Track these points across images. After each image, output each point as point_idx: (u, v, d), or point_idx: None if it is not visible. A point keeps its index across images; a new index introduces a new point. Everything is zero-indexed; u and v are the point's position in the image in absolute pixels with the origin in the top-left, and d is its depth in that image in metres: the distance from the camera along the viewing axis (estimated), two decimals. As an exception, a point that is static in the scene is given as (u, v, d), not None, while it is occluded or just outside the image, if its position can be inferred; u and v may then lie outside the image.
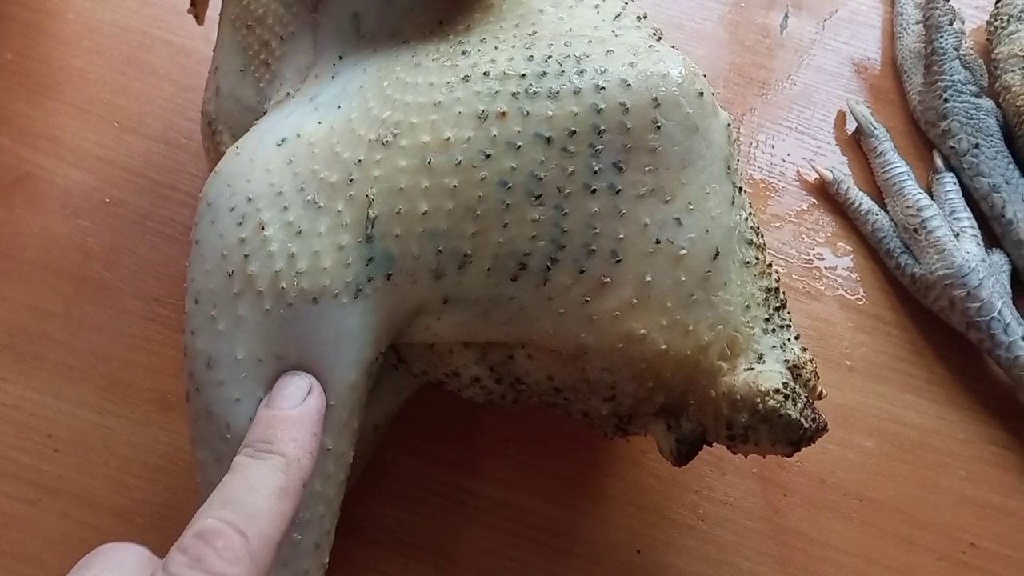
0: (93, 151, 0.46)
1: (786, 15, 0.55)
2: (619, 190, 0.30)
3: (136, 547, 0.25)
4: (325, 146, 0.31)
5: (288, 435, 0.28)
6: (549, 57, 0.31)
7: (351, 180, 0.31)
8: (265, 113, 0.36)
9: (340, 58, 0.35)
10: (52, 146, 0.46)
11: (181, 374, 0.40)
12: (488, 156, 0.30)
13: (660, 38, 0.34)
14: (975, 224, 0.46)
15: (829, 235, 0.48)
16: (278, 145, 0.32)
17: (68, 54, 0.49)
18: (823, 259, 0.47)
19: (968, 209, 0.47)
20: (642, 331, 0.31)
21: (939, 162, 0.49)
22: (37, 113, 0.47)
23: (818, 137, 0.51)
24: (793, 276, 0.46)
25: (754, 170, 0.50)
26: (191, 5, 0.42)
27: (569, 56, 0.31)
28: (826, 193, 0.49)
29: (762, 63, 0.53)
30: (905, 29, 0.54)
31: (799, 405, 0.32)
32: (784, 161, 0.50)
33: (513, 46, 0.32)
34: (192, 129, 0.47)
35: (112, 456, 0.39)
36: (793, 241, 0.47)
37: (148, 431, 0.40)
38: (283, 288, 0.29)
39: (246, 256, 0.30)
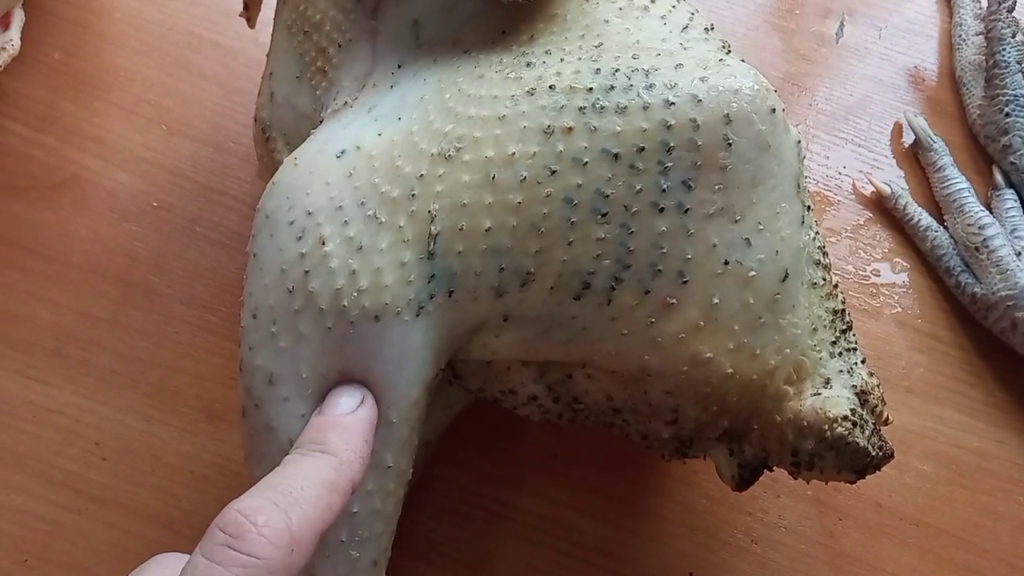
0: (140, 153, 0.46)
1: (842, 23, 0.54)
2: (687, 209, 0.30)
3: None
4: (386, 159, 0.31)
5: (340, 438, 0.28)
6: (617, 70, 0.30)
7: (413, 195, 0.30)
8: (322, 121, 0.36)
9: (399, 67, 0.35)
10: (99, 147, 0.46)
11: (229, 382, 0.40)
12: (553, 172, 0.29)
13: (729, 51, 0.33)
14: (1038, 243, 0.45)
15: (886, 251, 0.47)
16: (338, 157, 0.31)
17: (115, 54, 0.49)
18: (880, 275, 0.46)
19: (1030, 227, 0.45)
20: (708, 354, 0.30)
21: (999, 178, 0.48)
22: (84, 113, 0.47)
23: (874, 149, 0.50)
24: (850, 293, 0.45)
25: (809, 182, 0.48)
26: (244, 9, 0.42)
27: (637, 69, 0.30)
28: (883, 207, 0.48)
29: (817, 72, 0.52)
30: (964, 40, 0.52)
31: (866, 432, 0.31)
32: (840, 173, 0.49)
33: (579, 58, 0.31)
34: (241, 133, 0.46)
35: (159, 465, 0.39)
36: (849, 256, 0.46)
37: (196, 440, 0.39)
38: (345, 306, 0.29)
39: (307, 272, 0.29)
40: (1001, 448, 0.42)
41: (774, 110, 0.31)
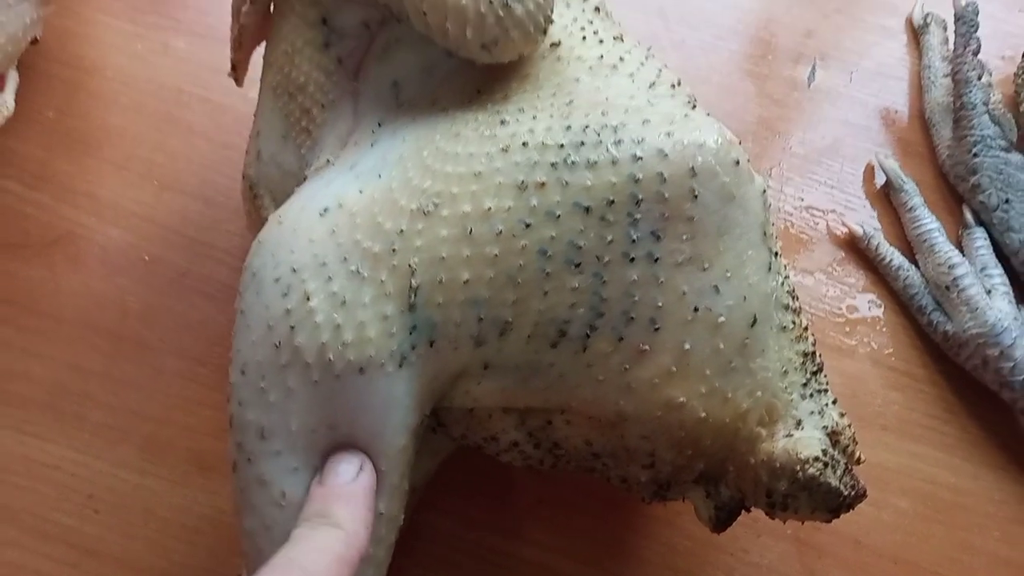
0: (131, 208, 0.47)
1: (813, 68, 0.56)
2: (657, 258, 0.31)
3: None
4: (367, 216, 0.32)
5: (345, 509, 0.29)
6: (587, 127, 0.32)
7: (394, 250, 0.31)
8: (305, 179, 0.37)
9: (379, 125, 0.36)
10: (92, 204, 0.47)
11: (219, 434, 0.41)
12: (528, 225, 0.31)
13: (695, 106, 0.34)
14: (1007, 280, 0.46)
15: (860, 290, 0.48)
16: (321, 215, 0.32)
17: (107, 112, 0.50)
18: (854, 314, 0.47)
19: (999, 265, 0.47)
20: (681, 399, 0.31)
21: (969, 217, 0.49)
22: (77, 171, 0.48)
23: (847, 191, 0.51)
24: (825, 332, 0.46)
25: (784, 223, 0.50)
26: (231, 69, 0.43)
27: (606, 126, 0.32)
28: (856, 247, 0.49)
29: (791, 116, 0.54)
30: (933, 82, 0.54)
31: (838, 472, 0.32)
32: (813, 215, 0.50)
33: (551, 116, 0.33)
34: (228, 187, 0.48)
35: (152, 518, 0.40)
36: (824, 296, 0.48)
37: (187, 492, 0.40)
38: (330, 360, 0.30)
39: (292, 327, 0.30)
40: (976, 483, 0.43)
41: (738, 162, 0.32)
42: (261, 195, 0.39)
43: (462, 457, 0.38)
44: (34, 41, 0.47)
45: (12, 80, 0.47)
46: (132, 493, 0.40)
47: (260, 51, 0.41)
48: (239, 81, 0.44)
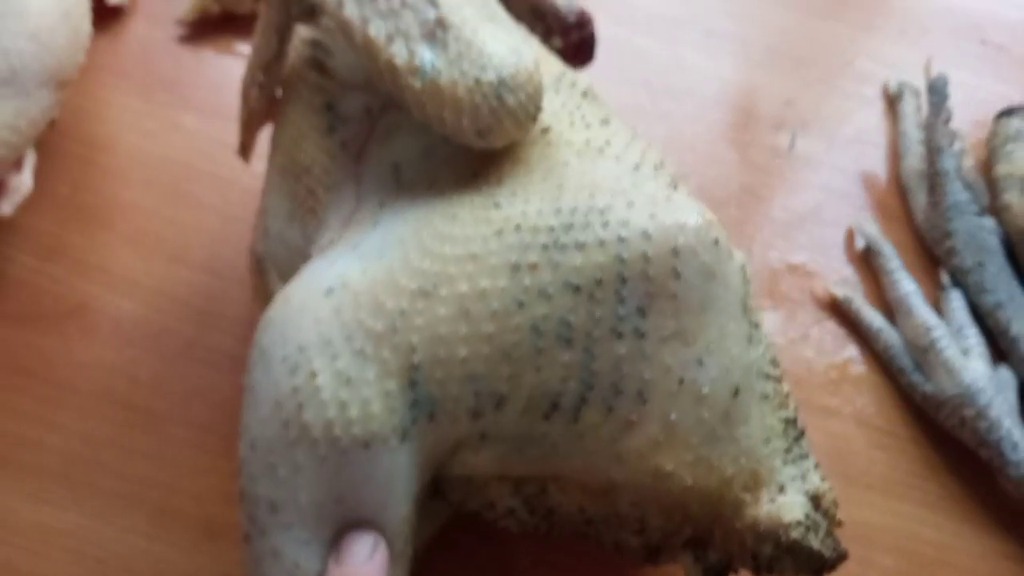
0: (142, 281, 0.49)
1: (794, 136, 0.58)
2: (643, 334, 0.33)
3: None
4: (370, 296, 0.34)
5: None
6: (575, 209, 0.34)
7: (395, 329, 0.33)
8: (310, 256, 0.39)
9: (381, 206, 0.38)
10: (104, 276, 0.49)
11: (227, 501, 0.43)
12: (522, 304, 0.32)
13: (676, 186, 0.37)
14: (982, 341, 0.48)
15: (843, 351, 0.50)
16: (326, 294, 0.34)
17: (119, 187, 0.52)
18: (838, 375, 0.49)
19: (975, 325, 0.49)
20: (669, 467, 0.33)
21: (945, 279, 0.51)
22: (90, 244, 0.50)
23: (829, 254, 0.53)
24: (811, 393, 0.48)
25: (768, 287, 0.52)
26: (240, 148, 0.45)
27: (593, 208, 0.34)
28: (839, 310, 0.51)
29: (772, 182, 0.56)
30: (908, 149, 0.57)
31: (820, 535, 0.34)
32: (797, 278, 0.52)
33: (541, 199, 0.35)
34: (235, 258, 0.50)
35: (161, 583, 0.41)
36: (808, 358, 0.49)
37: (195, 558, 0.41)
38: (337, 435, 0.32)
39: (300, 404, 0.32)
40: (958, 539, 0.44)
41: (717, 241, 0.34)
42: (267, 270, 0.41)
43: (459, 523, 0.40)
44: (51, 122, 0.49)
45: (30, 160, 0.49)
46: (141, 559, 0.41)
47: (267, 130, 0.43)
48: (247, 159, 0.47)
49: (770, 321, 0.51)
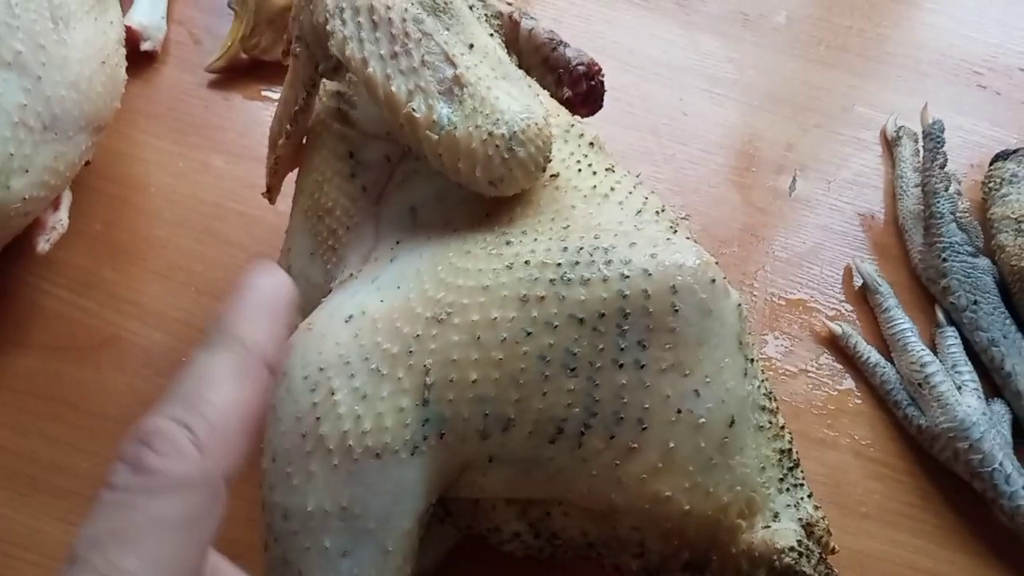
0: (172, 314, 0.52)
1: (794, 178, 0.60)
2: (643, 365, 0.35)
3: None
4: (387, 322, 0.36)
5: (243, 317, 0.25)
6: (581, 248, 0.36)
7: (410, 352, 0.35)
8: (331, 291, 0.41)
9: (398, 243, 0.40)
10: (135, 310, 0.52)
11: (248, 523, 0.44)
12: (529, 334, 0.35)
13: (676, 231, 0.39)
14: (976, 377, 0.50)
15: (841, 386, 0.52)
16: (346, 322, 0.37)
17: (151, 225, 0.55)
18: (836, 408, 0.51)
19: (969, 363, 0.50)
20: (667, 493, 0.35)
21: (941, 317, 0.53)
22: (123, 279, 0.53)
23: (827, 292, 0.55)
24: (808, 424, 0.50)
25: (769, 323, 0.54)
26: (266, 191, 0.48)
27: (598, 247, 0.36)
28: (837, 345, 0.53)
29: (773, 223, 0.58)
30: (905, 191, 0.59)
31: (812, 561, 0.35)
32: (797, 315, 0.54)
33: (550, 238, 0.37)
34: (259, 293, 0.52)
35: (186, 601, 0.43)
36: (807, 391, 0.51)
37: (219, 578, 0.43)
38: (350, 445, 0.34)
39: (318, 419, 0.34)
40: (952, 568, 0.46)
41: (714, 280, 0.36)
42: (291, 304, 0.44)
43: (466, 547, 0.41)
44: (87, 163, 0.52)
45: (66, 199, 0.52)
46: (168, 579, 0.43)
47: (292, 175, 0.46)
48: (272, 201, 0.49)
49: (770, 355, 0.52)
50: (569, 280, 0.35)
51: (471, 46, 0.39)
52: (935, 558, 0.46)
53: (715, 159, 0.60)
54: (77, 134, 0.49)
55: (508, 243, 0.37)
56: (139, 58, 0.60)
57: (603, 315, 0.35)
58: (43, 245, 0.50)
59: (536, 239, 0.37)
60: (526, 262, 0.36)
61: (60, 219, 0.51)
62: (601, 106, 0.50)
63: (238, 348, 0.25)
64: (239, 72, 0.61)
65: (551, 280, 0.35)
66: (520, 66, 0.50)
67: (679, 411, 0.35)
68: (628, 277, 0.35)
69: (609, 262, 0.35)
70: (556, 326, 0.34)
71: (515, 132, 0.36)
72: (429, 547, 0.40)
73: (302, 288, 0.43)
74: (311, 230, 0.43)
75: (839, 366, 0.52)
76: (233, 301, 0.26)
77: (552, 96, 0.48)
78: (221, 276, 0.53)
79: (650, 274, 0.35)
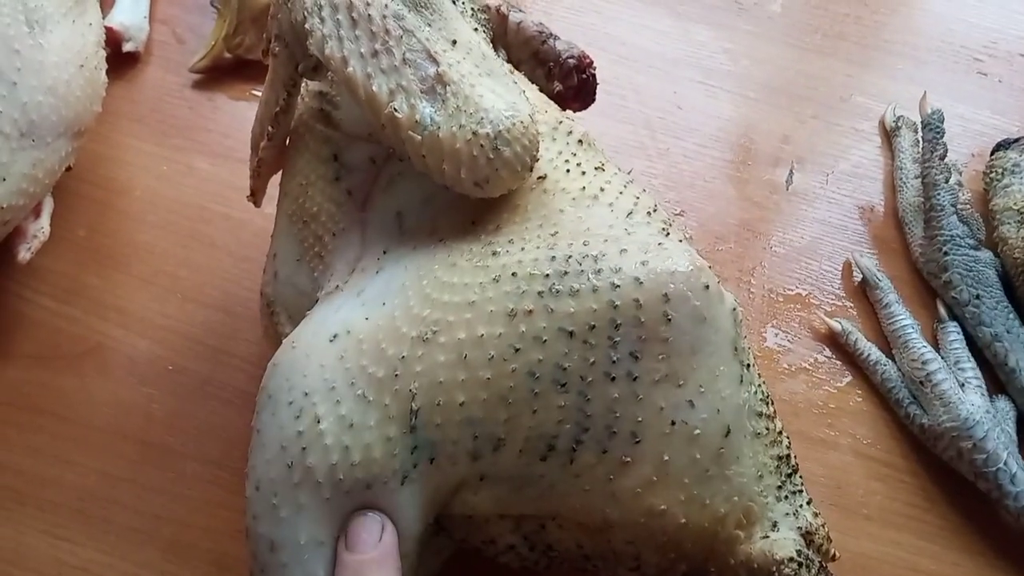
0: (157, 321, 0.51)
1: (791, 171, 0.59)
2: (636, 377, 0.34)
3: None
4: (372, 343, 0.35)
5: (376, 573, 0.31)
6: (569, 257, 0.35)
7: (396, 375, 0.34)
8: (317, 300, 0.40)
9: (384, 252, 0.39)
10: (120, 317, 0.51)
11: (237, 535, 0.44)
12: (518, 350, 0.34)
13: (668, 232, 0.38)
14: (979, 374, 0.49)
15: (842, 384, 0.51)
16: (331, 341, 0.36)
17: (135, 229, 0.54)
18: (836, 407, 0.50)
19: (972, 359, 0.49)
20: (662, 506, 0.34)
21: (943, 312, 0.52)
22: (107, 286, 0.52)
23: (826, 288, 0.54)
24: (808, 424, 0.49)
25: (766, 322, 0.53)
26: (251, 194, 0.47)
27: (587, 255, 0.35)
28: (837, 343, 0.52)
29: (770, 217, 0.57)
30: (905, 183, 0.57)
31: (813, 571, 0.35)
32: (795, 311, 0.53)
33: (537, 247, 0.36)
34: (248, 298, 0.51)
35: (174, 619, 0.42)
36: (807, 390, 0.50)
37: (208, 593, 0.43)
38: (340, 479, 0.33)
39: (304, 448, 0.33)
40: (957, 570, 0.45)
41: (707, 286, 0.35)
42: (278, 312, 0.43)
43: (462, 558, 0.41)
44: (68, 168, 0.51)
45: (48, 206, 0.51)
46: (156, 595, 0.43)
47: (277, 176, 0.44)
48: (258, 204, 0.48)
49: (769, 353, 0.52)
50: (558, 292, 0.34)
51: (454, 42, 0.37)
52: (939, 560, 0.45)
53: (710, 153, 0.59)
54: (56, 140, 0.47)
55: (495, 253, 0.36)
56: (121, 59, 0.59)
57: (593, 327, 0.34)
58: (24, 254, 0.49)
59: (523, 248, 0.36)
60: (513, 274, 0.35)
61: (41, 227, 0.50)
62: (593, 100, 0.49)
63: None
64: (223, 72, 0.59)
65: (539, 292, 0.34)
66: (509, 60, 0.49)
67: (673, 423, 0.34)
68: (618, 286, 0.34)
69: (599, 271, 0.34)
70: (545, 340, 0.34)
71: (500, 131, 0.35)
72: (425, 559, 0.39)
73: (289, 295, 0.42)
74: (296, 235, 0.42)
75: (839, 363, 0.51)
76: (361, 557, 0.32)
77: (543, 90, 0.46)
78: (207, 280, 0.52)
79: (641, 282, 0.34)
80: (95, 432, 0.47)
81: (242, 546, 0.41)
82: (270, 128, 0.42)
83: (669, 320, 0.34)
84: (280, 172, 0.45)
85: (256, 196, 0.47)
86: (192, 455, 0.47)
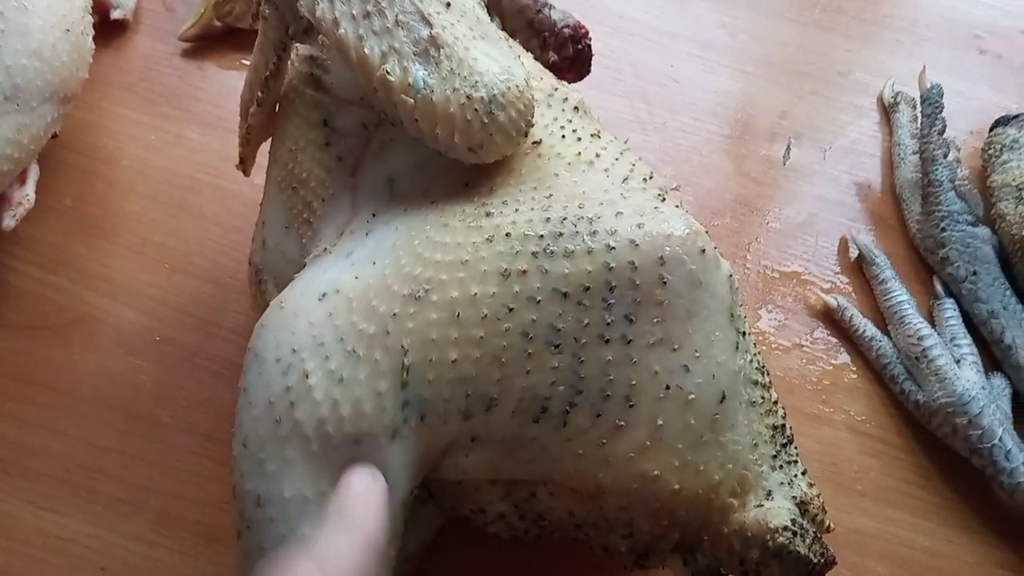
0: (145, 291, 0.50)
1: (788, 146, 0.59)
2: (631, 340, 0.33)
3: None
4: (363, 300, 0.34)
5: (362, 509, 0.31)
6: (564, 219, 0.34)
7: (387, 331, 0.33)
8: (305, 266, 0.40)
9: (373, 215, 0.39)
10: (108, 287, 0.50)
11: (226, 507, 0.43)
12: (511, 310, 0.33)
13: (664, 199, 0.37)
14: (975, 350, 0.48)
15: (836, 359, 0.50)
16: (319, 300, 0.35)
17: (123, 199, 0.53)
18: (831, 383, 0.49)
19: (968, 336, 0.49)
20: (656, 472, 0.33)
21: (939, 288, 0.51)
22: (94, 255, 0.51)
23: (823, 264, 0.54)
24: (802, 400, 0.49)
25: (762, 296, 0.52)
26: (240, 162, 0.46)
27: (582, 217, 0.34)
28: (832, 319, 0.51)
29: (767, 193, 0.57)
30: (903, 159, 0.57)
31: (807, 540, 0.34)
32: (791, 287, 0.53)
33: (532, 208, 0.35)
34: (237, 269, 0.51)
35: (161, 588, 0.42)
36: (802, 366, 0.50)
37: (196, 564, 0.42)
38: (329, 432, 0.32)
39: (292, 403, 0.33)
40: (951, 547, 0.45)
41: (704, 250, 0.34)
42: (266, 280, 0.42)
43: (454, 530, 0.40)
44: (54, 136, 0.50)
45: (33, 173, 0.50)
46: (143, 565, 0.42)
47: (266, 144, 0.44)
48: (247, 172, 0.48)
49: (764, 329, 0.51)
50: (552, 252, 0.34)
51: (448, 4, 0.37)
52: (933, 536, 0.45)
53: (707, 127, 0.58)
54: (41, 105, 0.47)
55: (488, 214, 0.36)
56: (109, 27, 0.58)
57: (588, 288, 0.33)
58: (9, 221, 0.48)
59: (517, 209, 0.35)
60: (507, 234, 0.34)
61: (26, 194, 0.49)
62: (588, 71, 0.48)
63: (359, 536, 0.31)
64: (213, 40, 0.59)
65: (533, 253, 0.34)
66: (503, 30, 0.48)
67: (668, 387, 0.33)
68: (614, 248, 0.33)
69: (594, 233, 0.34)
70: (539, 301, 0.33)
71: (495, 95, 0.35)
72: (415, 529, 0.39)
73: (277, 263, 0.42)
74: (285, 202, 0.41)
75: (834, 340, 0.51)
76: (349, 491, 0.32)
77: (537, 60, 0.46)
78: (195, 251, 0.51)
79: (637, 245, 0.33)
80: (82, 402, 0.46)
81: (230, 518, 0.41)
82: (259, 94, 0.42)
83: (664, 283, 0.33)
84: (270, 140, 0.44)
85: (245, 164, 0.47)
86: (180, 427, 0.46)
